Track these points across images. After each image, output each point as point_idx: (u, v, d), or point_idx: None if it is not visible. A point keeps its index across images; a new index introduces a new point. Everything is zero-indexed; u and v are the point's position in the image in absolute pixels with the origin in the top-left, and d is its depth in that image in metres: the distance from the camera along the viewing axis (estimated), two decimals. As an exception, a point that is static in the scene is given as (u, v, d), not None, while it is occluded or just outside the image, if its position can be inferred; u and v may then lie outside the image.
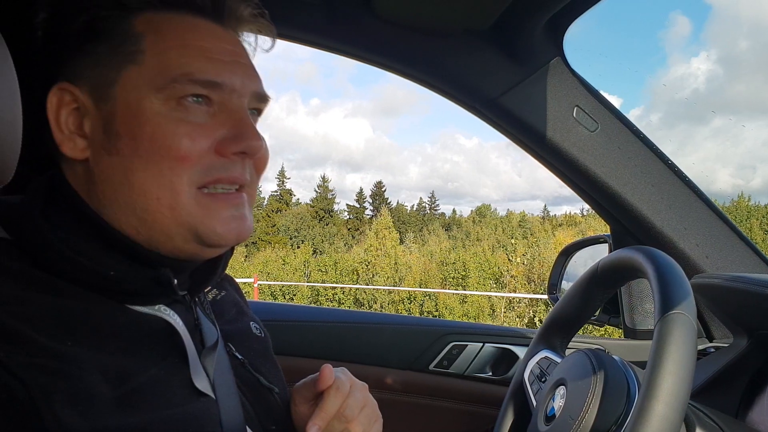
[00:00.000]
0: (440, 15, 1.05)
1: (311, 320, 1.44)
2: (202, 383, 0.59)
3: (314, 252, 34.50)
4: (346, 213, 50.43)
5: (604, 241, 1.37)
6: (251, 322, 0.80)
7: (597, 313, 1.35)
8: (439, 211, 54.49)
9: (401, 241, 31.68)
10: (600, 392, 0.71)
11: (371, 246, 27.05)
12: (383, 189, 51.84)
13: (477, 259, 25.08)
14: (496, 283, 24.48)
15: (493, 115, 1.20)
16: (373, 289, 23.40)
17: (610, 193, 1.19)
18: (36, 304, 0.52)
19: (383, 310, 22.05)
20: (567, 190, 1.27)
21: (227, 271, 0.79)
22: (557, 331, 0.98)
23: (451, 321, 1.71)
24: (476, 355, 1.41)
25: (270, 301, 19.95)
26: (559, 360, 0.91)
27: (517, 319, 20.98)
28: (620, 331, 1.37)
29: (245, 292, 0.89)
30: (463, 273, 24.62)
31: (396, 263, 26.18)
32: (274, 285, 23.92)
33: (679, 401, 0.58)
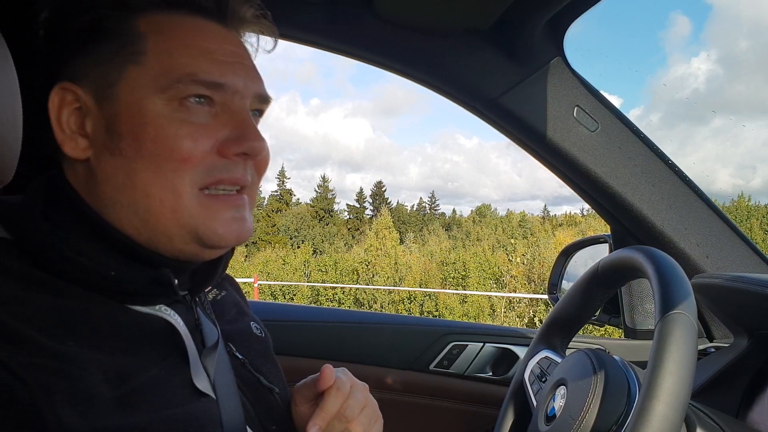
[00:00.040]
0: (441, 15, 1.05)
1: (311, 320, 1.44)
2: (202, 383, 0.59)
3: (314, 252, 34.50)
4: (346, 213, 50.47)
5: (605, 241, 1.37)
6: (252, 322, 0.80)
7: (597, 313, 1.35)
8: (439, 211, 54.55)
9: (401, 241, 31.69)
10: (600, 392, 0.71)
11: (371, 246, 27.06)
12: (383, 189, 51.88)
13: (477, 259, 25.08)
14: (496, 283, 24.48)
15: (493, 114, 1.20)
16: (373, 289, 23.40)
17: (610, 193, 1.19)
18: (36, 304, 0.52)
19: (383, 310, 22.05)
20: (567, 190, 1.27)
21: (227, 271, 0.79)
22: (558, 331, 0.98)
23: (452, 321, 1.71)
24: (476, 355, 1.41)
25: (270, 301, 19.95)
26: (559, 360, 0.91)
27: (517, 319, 20.98)
28: (620, 331, 1.36)
29: (245, 292, 0.89)
30: (463, 273, 24.62)
31: (396, 263, 26.19)
32: (274, 285, 23.93)
33: (679, 401, 0.58)
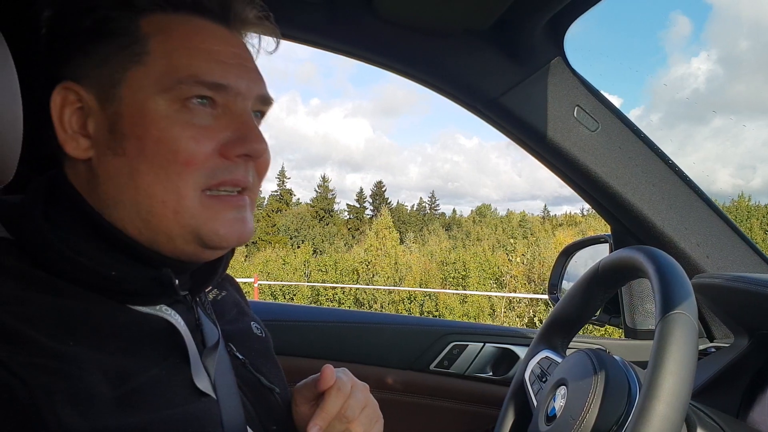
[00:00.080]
0: (441, 15, 1.05)
1: (311, 320, 1.44)
2: (203, 383, 0.59)
3: (314, 252, 34.50)
4: (346, 213, 50.46)
5: (605, 241, 1.37)
6: (252, 322, 0.80)
7: (598, 313, 1.34)
8: (439, 211, 54.55)
9: (401, 241, 31.69)
10: (601, 392, 0.71)
11: (371, 246, 27.06)
12: (383, 189, 51.86)
13: (477, 259, 25.09)
14: (496, 283, 24.48)
15: (493, 114, 1.20)
16: (374, 289, 23.40)
17: (610, 193, 1.19)
18: (36, 304, 0.52)
19: (383, 310, 22.05)
20: (567, 190, 1.27)
21: (227, 271, 0.79)
22: (558, 331, 0.98)
23: (452, 321, 1.71)
24: (477, 355, 1.40)
25: (270, 300, 19.95)
26: (559, 360, 0.91)
27: (517, 319, 20.98)
28: (621, 331, 1.36)
29: (245, 292, 0.89)
30: (463, 273, 24.63)
31: (396, 263, 26.19)
32: (275, 285, 23.93)
33: (680, 401, 0.58)
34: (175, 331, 0.60)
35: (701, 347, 1.21)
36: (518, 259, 24.25)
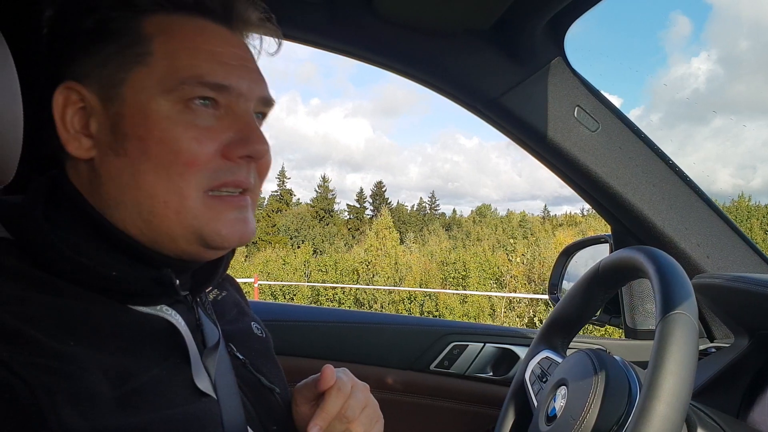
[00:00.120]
0: (441, 15, 1.05)
1: (312, 320, 1.44)
2: (203, 383, 0.59)
3: (314, 252, 34.51)
4: (346, 213, 50.46)
5: (605, 241, 1.37)
6: (252, 323, 0.80)
7: (598, 313, 1.34)
8: (439, 211, 54.55)
9: (401, 241, 31.70)
10: (601, 392, 0.71)
11: (371, 246, 27.06)
12: (383, 189, 51.86)
13: (477, 259, 25.09)
14: (496, 283, 24.48)
15: (493, 114, 1.20)
16: (374, 289, 23.40)
17: (611, 193, 1.19)
18: (37, 304, 0.52)
19: (383, 310, 22.05)
20: (567, 190, 1.27)
21: (228, 272, 0.79)
22: (558, 331, 0.98)
23: (452, 321, 1.71)
24: (477, 355, 1.40)
25: (270, 301, 19.95)
26: (560, 360, 0.91)
27: (517, 319, 20.98)
28: (621, 331, 1.36)
29: (246, 292, 0.89)
30: (464, 273, 24.63)
31: (396, 263, 26.19)
32: (275, 285, 23.93)
33: (680, 401, 0.58)
34: (175, 331, 0.60)
35: (701, 347, 1.21)
36: (518, 259, 24.26)
